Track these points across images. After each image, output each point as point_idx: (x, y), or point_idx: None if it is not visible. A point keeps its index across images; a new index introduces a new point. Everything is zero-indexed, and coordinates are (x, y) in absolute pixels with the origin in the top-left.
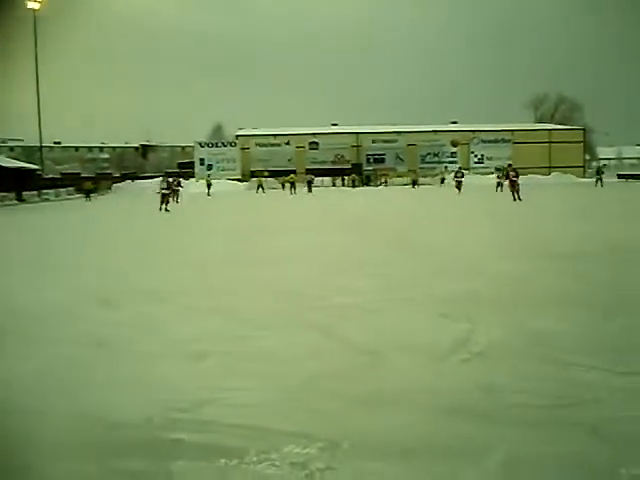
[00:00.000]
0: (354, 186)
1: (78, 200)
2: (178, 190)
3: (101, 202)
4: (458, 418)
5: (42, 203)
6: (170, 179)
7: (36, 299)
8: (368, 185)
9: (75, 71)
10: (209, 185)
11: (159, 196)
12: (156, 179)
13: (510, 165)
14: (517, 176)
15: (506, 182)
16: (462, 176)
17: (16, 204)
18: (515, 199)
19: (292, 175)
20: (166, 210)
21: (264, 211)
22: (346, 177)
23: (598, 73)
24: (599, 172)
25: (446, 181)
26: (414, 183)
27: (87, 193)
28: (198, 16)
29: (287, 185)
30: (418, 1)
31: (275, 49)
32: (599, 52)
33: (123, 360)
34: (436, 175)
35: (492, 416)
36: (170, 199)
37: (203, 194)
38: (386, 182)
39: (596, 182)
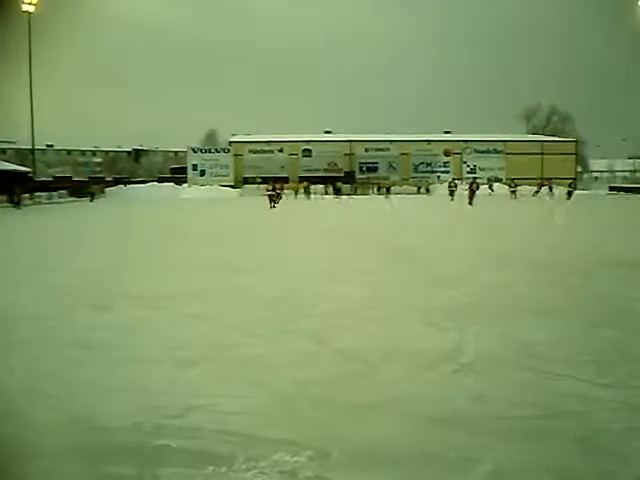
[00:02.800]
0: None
1: (72, 203)
2: (280, 194)
3: (109, 207)
4: (446, 428)
5: (34, 206)
6: (276, 185)
7: None
8: (350, 195)
9: (69, 74)
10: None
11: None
12: (150, 183)
13: (475, 179)
14: (478, 188)
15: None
16: (455, 186)
17: (7, 206)
18: (470, 203)
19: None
20: (274, 207)
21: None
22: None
23: (591, 86)
24: (513, 185)
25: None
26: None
27: (92, 195)
28: (193, 21)
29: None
30: (413, 10)
31: (269, 56)
32: (592, 65)
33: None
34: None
35: (480, 426)
36: (275, 199)
37: (203, 199)
38: (388, 190)
39: (511, 194)
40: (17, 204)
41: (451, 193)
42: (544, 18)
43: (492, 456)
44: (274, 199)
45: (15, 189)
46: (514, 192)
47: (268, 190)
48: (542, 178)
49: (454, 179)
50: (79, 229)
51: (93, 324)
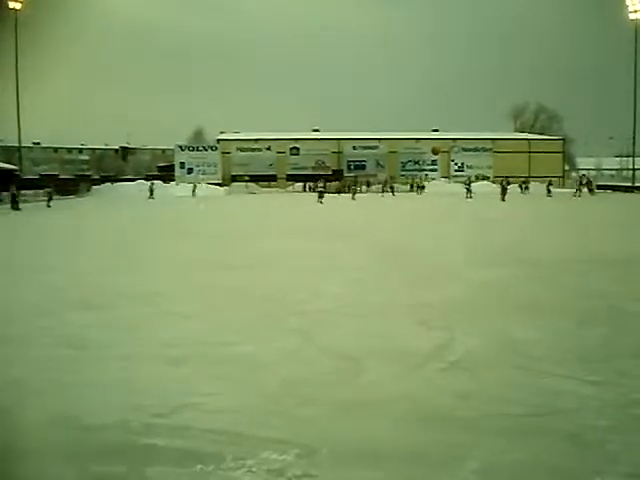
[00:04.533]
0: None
1: (59, 201)
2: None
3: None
4: (435, 426)
5: (21, 204)
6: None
7: None
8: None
9: (56, 71)
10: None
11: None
12: (137, 181)
13: (506, 177)
14: (509, 184)
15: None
16: (469, 184)
17: None
18: (503, 199)
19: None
20: (321, 203)
21: None
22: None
23: (578, 84)
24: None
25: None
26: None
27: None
28: (181, 18)
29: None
30: (402, 9)
31: (258, 54)
32: (580, 64)
33: None
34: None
35: (469, 424)
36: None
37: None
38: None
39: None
40: (49, 201)
41: (468, 191)
42: (534, 18)
43: (481, 454)
44: (323, 194)
45: (44, 189)
46: (527, 188)
47: (318, 187)
48: (582, 176)
49: (469, 178)
50: (70, 227)
51: (84, 323)
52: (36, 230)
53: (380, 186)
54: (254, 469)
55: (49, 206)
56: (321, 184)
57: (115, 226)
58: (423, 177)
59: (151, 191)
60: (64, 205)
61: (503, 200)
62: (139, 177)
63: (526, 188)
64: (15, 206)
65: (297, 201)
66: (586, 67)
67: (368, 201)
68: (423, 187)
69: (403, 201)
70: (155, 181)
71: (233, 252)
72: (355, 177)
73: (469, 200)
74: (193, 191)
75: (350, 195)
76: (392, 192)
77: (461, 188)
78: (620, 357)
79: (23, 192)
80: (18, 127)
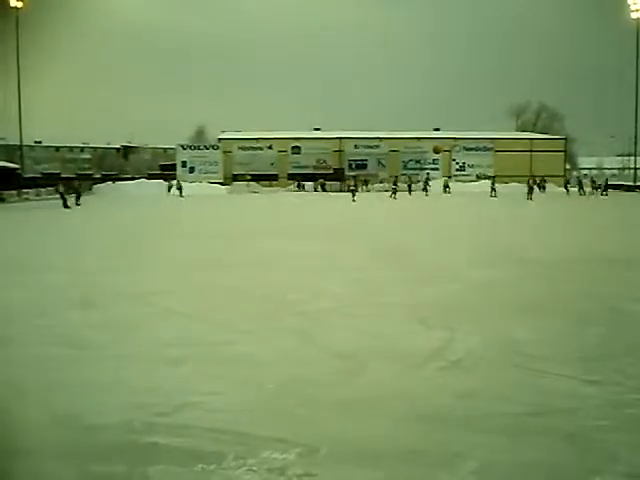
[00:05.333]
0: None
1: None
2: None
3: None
4: (435, 425)
5: (22, 203)
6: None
7: None
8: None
9: (58, 71)
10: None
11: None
12: (139, 180)
13: (532, 176)
14: (535, 183)
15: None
16: (494, 182)
17: None
18: (530, 198)
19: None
20: (353, 201)
21: None
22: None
23: (580, 84)
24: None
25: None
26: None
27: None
28: (181, 18)
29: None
30: (403, 8)
31: (258, 53)
32: (581, 63)
33: None
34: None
35: (468, 423)
36: (356, 193)
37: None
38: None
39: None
40: (77, 199)
41: (493, 190)
42: (535, 18)
43: (480, 453)
44: (355, 192)
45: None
46: (544, 187)
47: (350, 186)
48: (584, 175)
49: (493, 177)
50: (79, 226)
51: (85, 322)
52: (105, 227)
53: (382, 185)
54: (255, 468)
55: (78, 204)
56: (352, 183)
57: (160, 224)
58: (425, 176)
59: (179, 189)
60: (88, 203)
61: (530, 199)
62: (141, 176)
63: (543, 187)
64: (65, 204)
65: (321, 200)
66: (587, 66)
67: (401, 201)
68: (447, 186)
69: (435, 201)
70: (153, 180)
71: (246, 252)
72: (356, 176)
73: (494, 199)
74: (169, 189)
75: (390, 194)
76: (409, 192)
77: (465, 187)
78: (619, 357)
79: (25, 190)
80: (20, 126)
